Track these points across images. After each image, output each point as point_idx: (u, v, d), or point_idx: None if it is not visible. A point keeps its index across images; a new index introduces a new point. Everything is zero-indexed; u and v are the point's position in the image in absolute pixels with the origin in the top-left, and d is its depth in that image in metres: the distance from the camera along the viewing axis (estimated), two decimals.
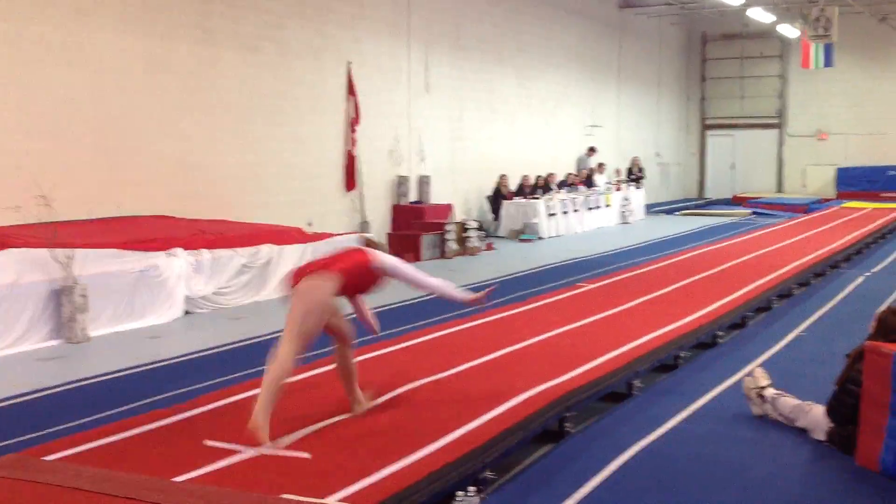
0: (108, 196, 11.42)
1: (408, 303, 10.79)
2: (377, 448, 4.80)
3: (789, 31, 26.64)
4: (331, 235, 12.57)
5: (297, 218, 13.68)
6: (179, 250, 9.95)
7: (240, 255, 10.70)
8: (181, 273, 9.84)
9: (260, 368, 7.23)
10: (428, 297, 11.05)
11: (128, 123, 11.86)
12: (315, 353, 7.74)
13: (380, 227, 16.10)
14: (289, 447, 4.84)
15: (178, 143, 12.58)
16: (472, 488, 4.55)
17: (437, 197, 17.75)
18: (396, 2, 16.91)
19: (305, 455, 4.71)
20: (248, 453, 4.74)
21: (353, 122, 15.66)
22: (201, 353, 8.12)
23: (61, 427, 5.82)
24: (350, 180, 15.74)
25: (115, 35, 11.66)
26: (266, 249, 11.06)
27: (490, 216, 19.28)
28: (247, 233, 11.31)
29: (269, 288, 11.03)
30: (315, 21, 14.96)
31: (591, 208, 21.12)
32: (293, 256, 11.46)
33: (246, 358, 7.81)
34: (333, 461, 4.62)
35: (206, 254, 10.24)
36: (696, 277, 11.22)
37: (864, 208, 23.38)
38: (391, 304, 10.58)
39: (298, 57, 14.65)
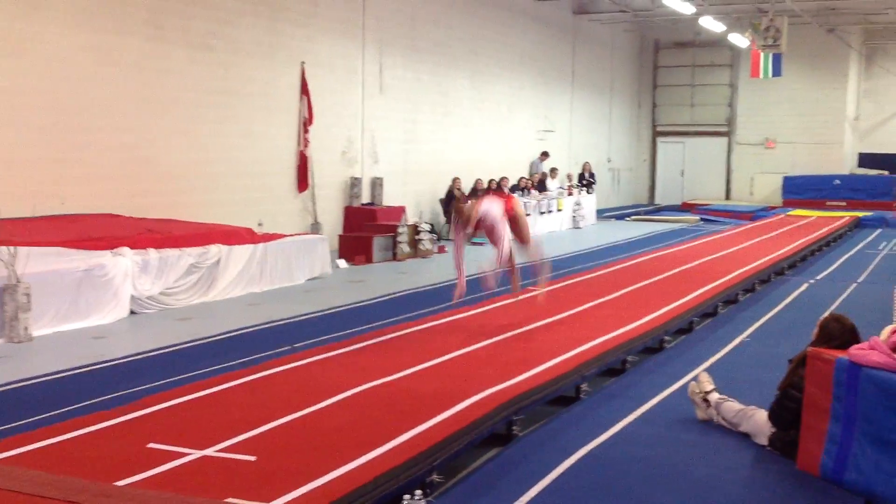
0: (54, 192, 11.22)
1: (359, 305, 10.76)
2: (323, 451, 4.78)
3: (740, 40, 27.05)
4: (282, 236, 12.48)
5: (248, 218, 13.55)
6: (126, 249, 9.80)
7: (188, 255, 10.56)
8: (127, 272, 9.70)
9: (207, 370, 7.19)
10: (379, 300, 11.04)
11: (76, 119, 11.66)
12: (260, 355, 7.71)
13: (332, 228, 16.02)
14: (233, 450, 4.80)
15: (127, 140, 12.39)
16: (418, 492, 4.55)
17: (389, 199, 17.72)
18: (350, 1, 16.86)
19: (250, 458, 4.67)
20: (192, 456, 4.69)
21: (306, 123, 15.57)
22: (146, 354, 8.01)
23: (1, 428, 5.70)
24: (302, 181, 15.65)
25: (65, 29, 11.47)
26: (215, 249, 10.94)
27: (443, 219, 19.29)
28: (195, 232, 11.18)
29: (217, 288, 10.92)
30: (268, 19, 14.85)
31: (543, 212, 21.24)
32: (243, 257, 11.36)
33: (192, 359, 7.73)
34: (279, 464, 4.59)
35: (153, 253, 10.10)
36: (645, 283, 11.34)
37: (810, 216, 23.81)
38: (340, 307, 10.54)
39: (250, 55, 14.53)
